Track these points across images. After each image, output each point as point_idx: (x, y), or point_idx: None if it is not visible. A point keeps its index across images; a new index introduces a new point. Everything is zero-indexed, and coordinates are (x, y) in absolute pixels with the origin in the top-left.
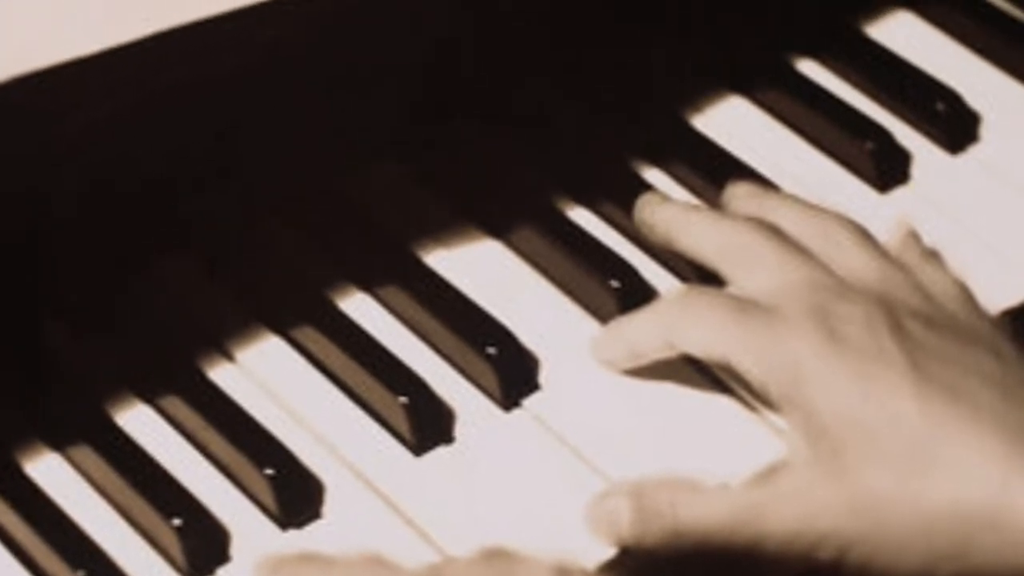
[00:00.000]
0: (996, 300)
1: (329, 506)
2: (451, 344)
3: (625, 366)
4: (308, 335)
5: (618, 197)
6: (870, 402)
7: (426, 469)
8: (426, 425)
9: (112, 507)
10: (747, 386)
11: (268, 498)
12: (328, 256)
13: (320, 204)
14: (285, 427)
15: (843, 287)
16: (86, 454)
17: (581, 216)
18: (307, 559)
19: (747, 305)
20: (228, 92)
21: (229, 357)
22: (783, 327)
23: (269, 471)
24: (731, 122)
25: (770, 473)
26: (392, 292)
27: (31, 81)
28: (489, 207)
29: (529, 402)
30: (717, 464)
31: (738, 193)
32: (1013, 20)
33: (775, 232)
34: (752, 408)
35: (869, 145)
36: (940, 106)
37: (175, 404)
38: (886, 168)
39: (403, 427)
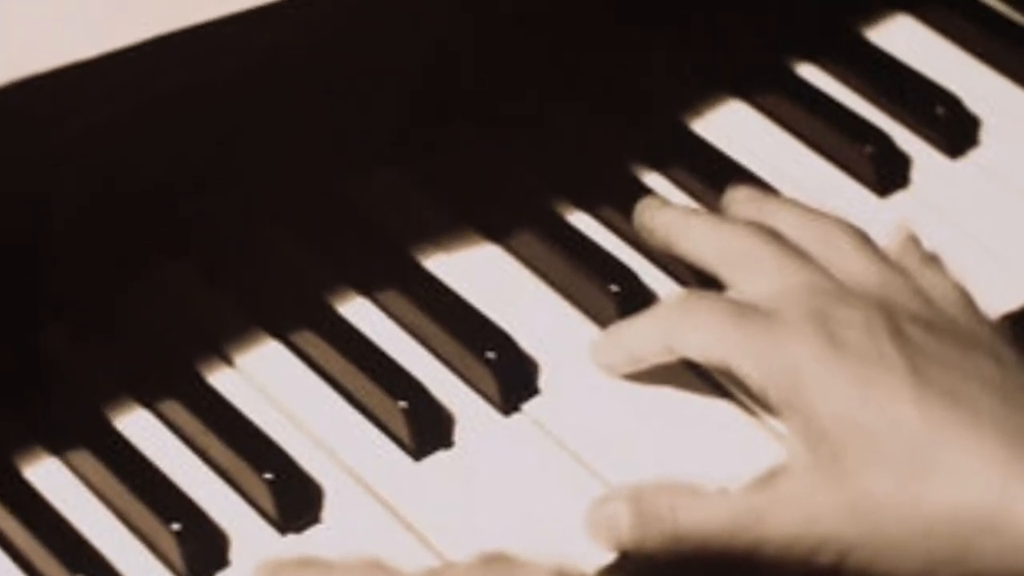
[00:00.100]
0: (996, 304)
1: (328, 511)
2: (450, 348)
3: (624, 370)
4: (307, 339)
5: (617, 201)
6: (870, 406)
7: (425, 474)
8: (425, 430)
9: (111, 511)
10: (747, 390)
11: (267, 503)
12: (327, 260)
13: (319, 208)
14: (284, 431)
15: (843, 291)
16: (85, 458)
17: (580, 220)
18: (306, 564)
19: (747, 309)
20: (227, 96)
21: (228, 361)
22: (783, 331)
23: (268, 475)
24: (731, 126)
25: (770, 477)
26: (391, 296)
27: (31, 85)
28: (488, 211)
29: (528, 406)
30: (717, 468)
31: (738, 197)
32: (1013, 24)
33: (775, 236)
34: (752, 412)
35: (869, 149)
36: (940, 110)
37: (174, 408)
38: (886, 172)
39: (402, 432)
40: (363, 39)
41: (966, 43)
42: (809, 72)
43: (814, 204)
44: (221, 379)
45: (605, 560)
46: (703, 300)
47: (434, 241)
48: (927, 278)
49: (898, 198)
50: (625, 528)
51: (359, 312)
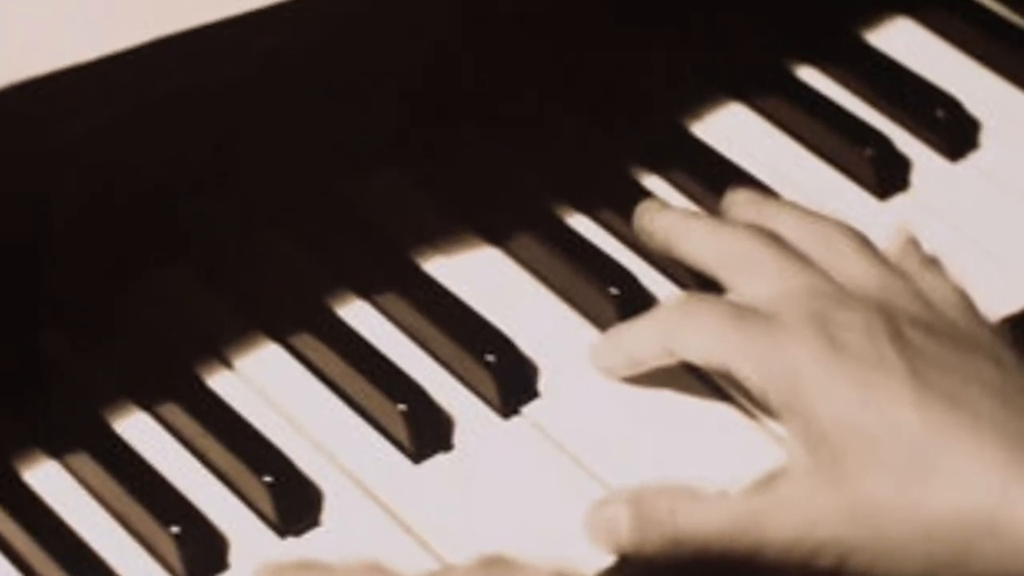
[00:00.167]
0: (996, 307)
1: (328, 514)
2: (450, 351)
3: (624, 373)
4: (307, 342)
5: (617, 204)
6: (870, 409)
7: (425, 477)
8: (425, 432)
9: (110, 514)
10: (746, 393)
11: (267, 505)
12: (327, 263)
13: (319, 211)
14: (284, 434)
15: (843, 294)
16: (84, 461)
17: (580, 223)
18: (306, 566)
19: (746, 312)
20: (226, 98)
21: (228, 364)
22: (783, 334)
23: (268, 478)
24: (730, 129)
25: (769, 480)
26: (391, 299)
27: (29, 88)
28: (488, 214)
29: (528, 409)
30: (716, 471)
31: (737, 200)
32: (1012, 27)
33: (774, 239)
34: (751, 415)
35: (869, 152)
36: (940, 113)
37: (173, 411)
38: (886, 175)
39: (402, 434)
40: (362, 41)
41: (966, 46)
42: (809, 75)
43: (814, 207)
44: (220, 382)
45: (604, 563)
46: (703, 303)
47: (433, 244)
48: (927, 281)
49: (898, 201)
50: (624, 531)
51: (358, 315)
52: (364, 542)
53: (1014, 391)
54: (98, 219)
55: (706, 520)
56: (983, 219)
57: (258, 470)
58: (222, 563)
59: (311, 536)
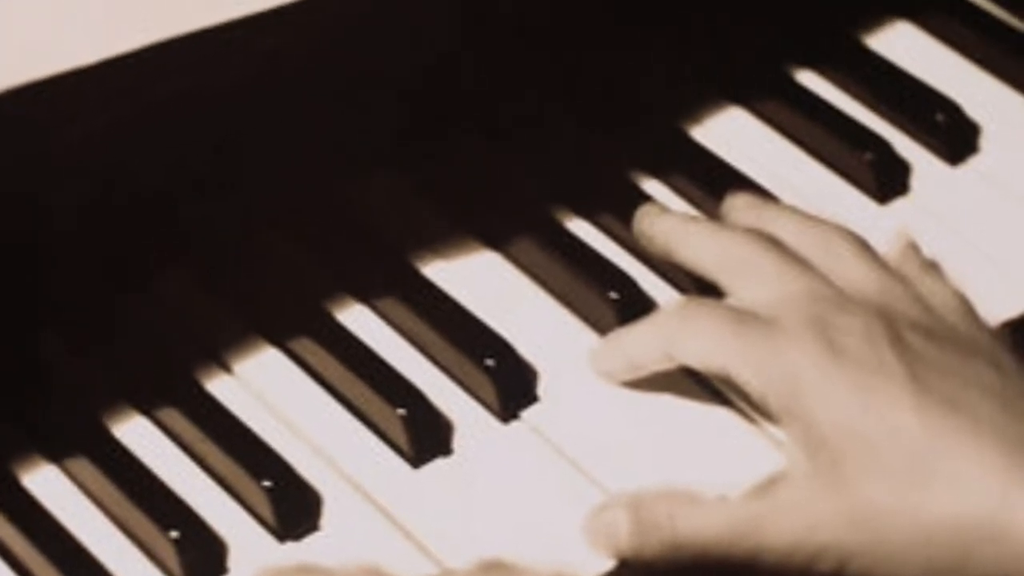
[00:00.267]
0: (996, 312)
1: (327, 518)
2: (449, 356)
3: (624, 378)
4: (306, 347)
5: (617, 208)
6: (869, 414)
7: (424, 481)
8: (424, 437)
9: (109, 519)
10: (746, 398)
11: (266, 510)
12: (326, 267)
13: (318, 215)
14: (283, 439)
15: (842, 298)
16: (83, 466)
17: (580, 227)
18: (305, 571)
19: (746, 316)
20: (226, 103)
21: (227, 369)
22: (782, 338)
23: (267, 483)
24: (730, 133)
25: (769, 485)
26: (390, 303)
27: (29, 91)
28: (488, 218)
29: (527, 414)
30: (716, 476)
31: (737, 204)
32: (1012, 30)
33: (774, 243)
34: (751, 420)
35: (868, 156)
36: (940, 117)
37: (172, 416)
38: (885, 179)
39: (401, 439)
40: (362, 46)
41: (966, 50)
42: (809, 79)
43: (814, 211)
44: (219, 386)
45: (604, 568)
46: (703, 307)
47: (433, 248)
48: (927, 285)
49: (898, 205)
50: (624, 536)
51: (358, 319)
52: (363, 547)
53: (1014, 395)
54: (97, 222)
55: (705, 525)
56: (983, 223)
57: (257, 475)
58: (221, 567)
59: (310, 541)
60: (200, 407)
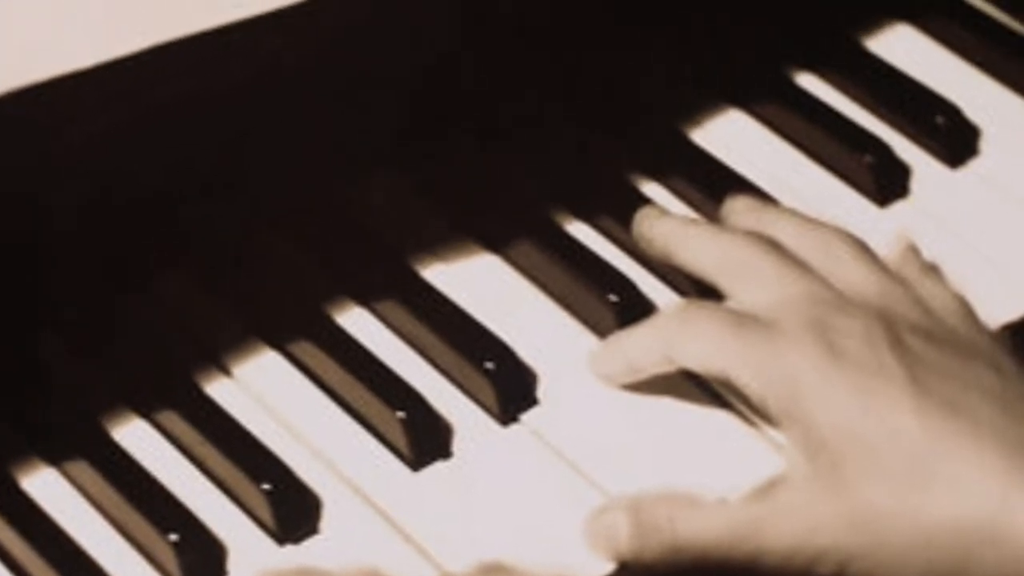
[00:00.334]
0: (996, 314)
1: (326, 521)
2: (449, 359)
3: (624, 381)
4: (305, 349)
5: (617, 211)
6: (869, 416)
7: (424, 484)
8: (424, 440)
9: (108, 522)
10: (746, 400)
11: (265, 513)
12: (326, 270)
13: (318, 217)
14: (282, 442)
15: (842, 301)
16: (82, 468)
17: (579, 230)
18: (304, 574)
19: (746, 319)
20: (226, 104)
21: (226, 371)
22: (782, 341)
23: (266, 486)
24: (730, 136)
25: (769, 488)
26: (390, 306)
27: (29, 94)
28: (487, 220)
29: (527, 417)
30: (716, 479)
31: (737, 207)
32: (1012, 33)
33: (774, 246)
34: (751, 423)
35: (868, 159)
36: (940, 119)
37: (172, 418)
38: (885, 182)
39: (401, 442)
40: (362, 47)
41: (966, 52)
42: (808, 81)
43: (813, 214)
44: (219, 389)
45: (604, 571)
46: (702, 310)
47: (432, 251)
48: (927, 288)
49: (898, 208)
50: (624, 539)
51: (357, 322)
52: (363, 550)
53: (1014, 398)
54: (97, 223)
55: (705, 527)
56: (983, 226)
57: (256, 477)
58: (220, 571)
59: (310, 544)
60: (200, 410)
